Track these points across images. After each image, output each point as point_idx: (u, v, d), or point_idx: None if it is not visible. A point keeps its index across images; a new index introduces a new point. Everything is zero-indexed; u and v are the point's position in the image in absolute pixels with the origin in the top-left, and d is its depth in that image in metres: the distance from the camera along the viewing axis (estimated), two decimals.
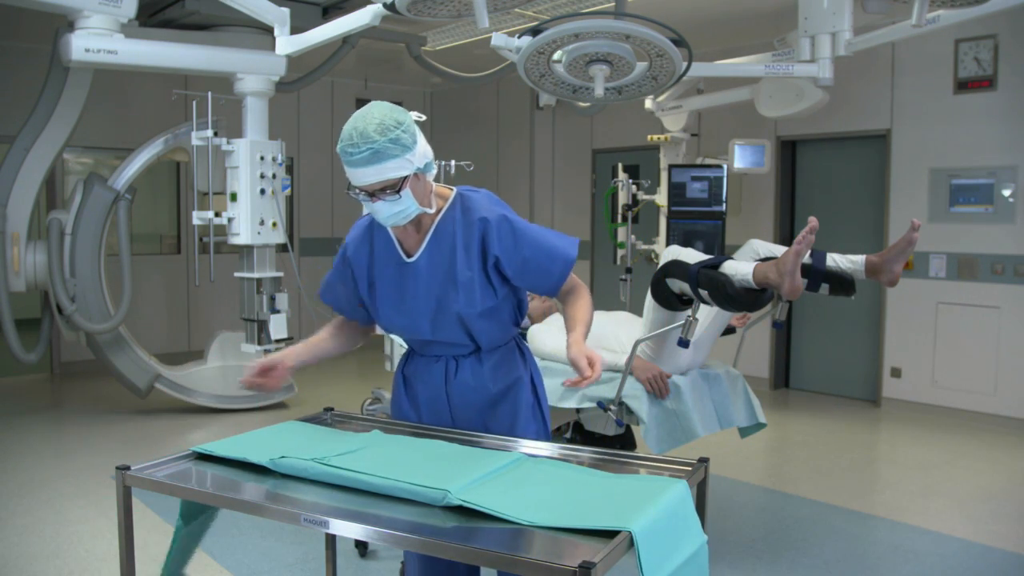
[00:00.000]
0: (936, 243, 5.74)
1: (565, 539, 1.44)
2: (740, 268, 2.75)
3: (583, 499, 1.59)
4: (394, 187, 1.87)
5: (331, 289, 2.21)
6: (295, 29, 4.63)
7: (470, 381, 2.07)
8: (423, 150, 1.91)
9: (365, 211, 2.05)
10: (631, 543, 1.41)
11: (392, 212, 1.91)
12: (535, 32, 3.27)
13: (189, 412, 5.82)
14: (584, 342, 1.96)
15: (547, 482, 1.70)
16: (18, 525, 3.77)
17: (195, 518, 2.01)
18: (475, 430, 2.08)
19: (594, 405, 3.18)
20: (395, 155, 1.84)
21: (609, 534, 1.43)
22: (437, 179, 4.37)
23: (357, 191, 1.90)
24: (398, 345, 4.82)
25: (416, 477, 1.66)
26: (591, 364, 1.90)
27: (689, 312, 2.96)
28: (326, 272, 2.24)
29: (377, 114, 1.86)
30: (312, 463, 1.77)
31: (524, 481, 1.70)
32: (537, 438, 2.10)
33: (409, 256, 2.05)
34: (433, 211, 2.01)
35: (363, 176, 1.85)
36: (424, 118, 4.19)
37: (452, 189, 2.07)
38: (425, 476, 1.67)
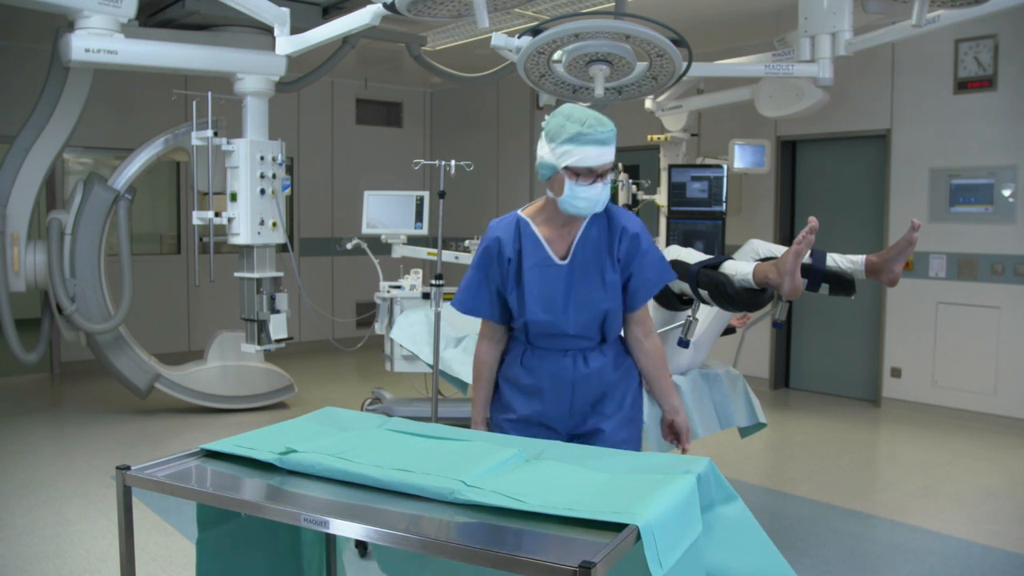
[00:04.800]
0: (936, 243, 5.74)
1: (565, 538, 1.44)
2: (740, 268, 2.75)
3: (591, 489, 1.59)
4: (609, 172, 2.08)
5: (474, 294, 2.27)
6: (295, 29, 4.64)
7: (596, 369, 2.25)
8: None
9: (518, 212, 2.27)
10: (637, 536, 1.41)
11: (604, 197, 2.12)
12: (535, 32, 3.27)
13: (189, 412, 5.82)
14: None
15: (554, 473, 1.70)
16: (18, 525, 3.77)
17: (214, 524, 1.99)
18: (588, 411, 2.27)
19: None
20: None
21: (615, 527, 1.43)
22: (436, 179, 4.37)
23: (576, 176, 2.05)
24: (398, 345, 4.82)
25: (426, 469, 1.66)
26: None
27: (689, 312, 2.96)
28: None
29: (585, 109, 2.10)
30: (320, 457, 1.76)
31: (532, 471, 1.71)
32: (637, 411, 2.36)
33: (560, 258, 2.20)
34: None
35: (607, 154, 2.05)
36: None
37: None
38: (435, 468, 1.67)
